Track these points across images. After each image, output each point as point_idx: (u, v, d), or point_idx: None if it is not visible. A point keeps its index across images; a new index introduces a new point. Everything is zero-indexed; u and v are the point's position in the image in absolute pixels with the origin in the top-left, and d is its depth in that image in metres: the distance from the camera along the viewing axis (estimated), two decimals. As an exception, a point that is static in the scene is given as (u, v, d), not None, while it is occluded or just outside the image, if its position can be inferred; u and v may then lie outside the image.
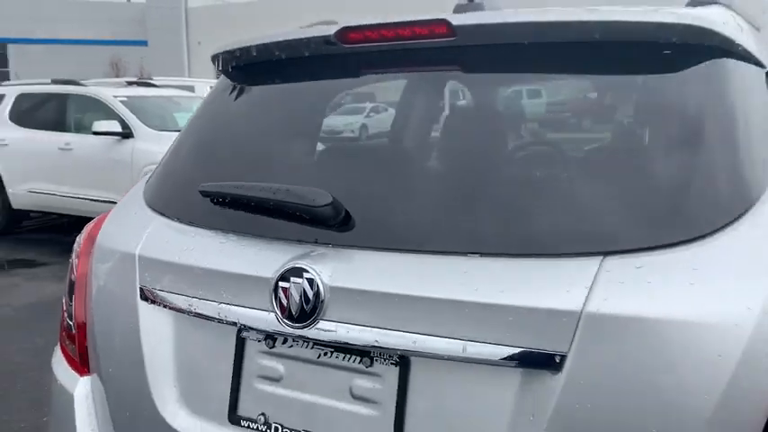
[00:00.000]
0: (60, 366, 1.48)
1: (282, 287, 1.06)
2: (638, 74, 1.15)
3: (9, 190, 7.25)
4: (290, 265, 1.07)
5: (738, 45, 1.10)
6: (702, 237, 0.92)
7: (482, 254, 1.00)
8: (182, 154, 1.46)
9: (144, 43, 45.53)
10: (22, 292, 4.98)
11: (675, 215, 0.97)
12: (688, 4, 1.38)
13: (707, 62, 1.08)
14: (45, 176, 6.88)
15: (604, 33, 1.11)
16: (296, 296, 1.05)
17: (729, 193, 0.98)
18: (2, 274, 5.95)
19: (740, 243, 0.92)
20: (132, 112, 6.61)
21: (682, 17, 1.08)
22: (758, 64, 1.16)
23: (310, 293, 1.04)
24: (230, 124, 1.46)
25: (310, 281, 1.05)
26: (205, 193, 1.24)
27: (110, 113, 6.73)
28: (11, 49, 45.90)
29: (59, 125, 7.23)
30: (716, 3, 1.33)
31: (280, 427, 1.12)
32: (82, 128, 6.99)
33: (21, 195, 7.17)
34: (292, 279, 1.06)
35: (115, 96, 6.99)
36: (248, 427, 1.15)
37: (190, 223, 1.29)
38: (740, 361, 0.85)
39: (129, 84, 8.83)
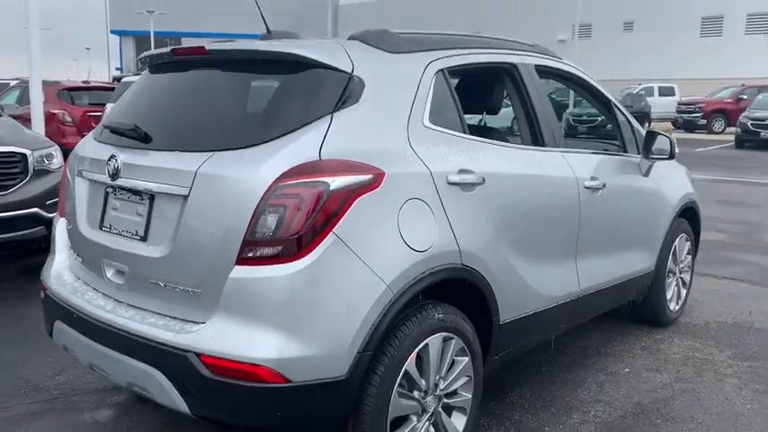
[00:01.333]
0: (56, 217, 2.97)
1: (108, 164, 2.45)
2: (278, 73, 2.40)
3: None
4: (111, 154, 2.45)
5: (313, 60, 2.31)
6: (254, 145, 2.17)
7: (180, 150, 2.31)
8: (112, 110, 2.88)
9: (296, 37, 49.01)
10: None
11: (250, 137, 2.21)
12: (349, 38, 2.58)
13: (291, 67, 2.32)
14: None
15: (267, 55, 2.39)
16: (111, 167, 2.43)
17: (274, 129, 2.20)
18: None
19: (270, 148, 2.14)
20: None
21: (284, 47, 2.33)
22: (336, 69, 2.34)
23: (114, 166, 2.41)
24: (141, 94, 2.84)
25: (116, 160, 2.42)
26: (104, 126, 2.65)
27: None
28: (183, 41, 51.51)
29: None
30: (354, 38, 2.53)
31: (116, 229, 2.48)
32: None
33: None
34: (110, 161, 2.44)
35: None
36: (103, 230, 2.54)
37: (99, 141, 2.70)
38: (256, 201, 2.08)
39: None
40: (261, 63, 2.45)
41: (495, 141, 2.88)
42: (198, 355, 2.09)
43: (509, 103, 3.41)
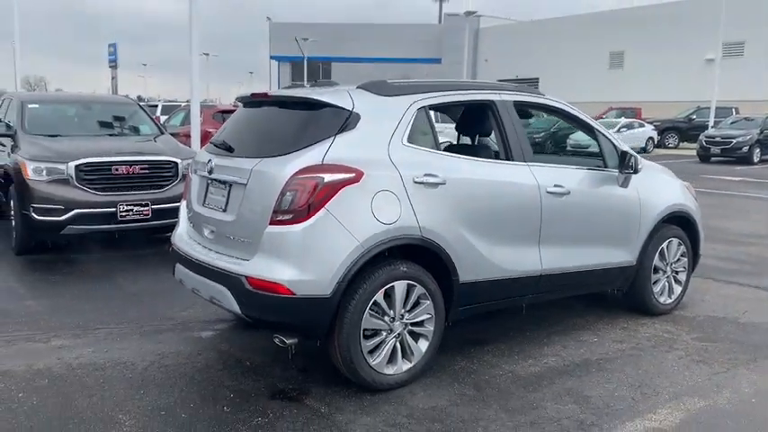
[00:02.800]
0: (182, 201, 4.58)
1: (207, 164, 3.99)
2: (305, 110, 3.81)
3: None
4: (209, 158, 3.99)
5: (326, 102, 3.69)
6: (284, 154, 3.57)
7: (245, 157, 3.78)
8: (218, 131, 4.45)
9: (438, 61, 50.93)
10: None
11: (283, 149, 3.61)
12: (357, 87, 3.93)
13: (314, 106, 3.73)
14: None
15: (299, 99, 3.84)
16: (208, 167, 3.97)
17: (298, 144, 3.58)
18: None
19: (293, 156, 3.53)
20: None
21: (311, 93, 3.75)
22: (341, 108, 3.70)
23: (209, 166, 3.95)
24: (233, 121, 4.37)
25: (211, 163, 3.95)
26: (211, 142, 4.22)
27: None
28: (334, 66, 55.24)
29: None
30: (360, 87, 3.89)
31: (211, 205, 4.00)
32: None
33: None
34: (208, 163, 3.98)
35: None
36: (205, 206, 4.07)
37: (208, 152, 4.25)
38: (280, 187, 3.49)
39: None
40: (296, 104, 3.89)
41: (462, 156, 4.09)
42: (246, 277, 3.52)
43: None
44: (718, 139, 22.80)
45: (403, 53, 50.49)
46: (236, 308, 3.62)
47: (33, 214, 6.55)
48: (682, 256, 5.38)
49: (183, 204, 4.51)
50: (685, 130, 29.90)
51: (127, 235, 7.17)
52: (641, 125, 28.64)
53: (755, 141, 22.26)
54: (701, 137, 23.71)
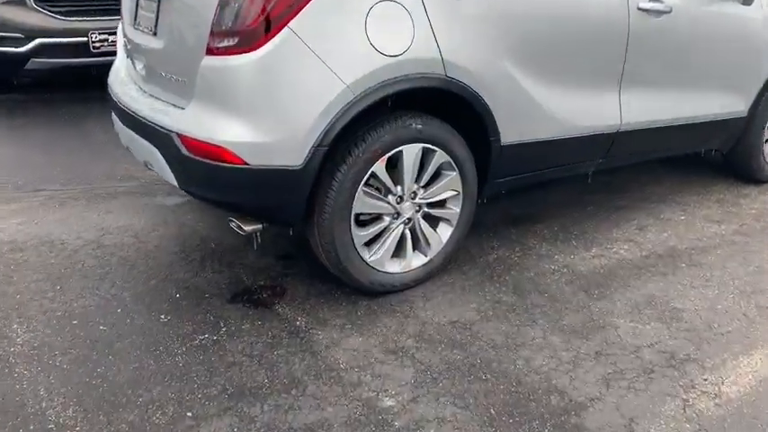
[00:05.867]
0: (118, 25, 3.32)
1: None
2: None
3: None
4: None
5: None
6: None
7: None
8: None
9: None
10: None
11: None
12: None
13: None
14: None
15: None
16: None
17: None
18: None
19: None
20: None
21: None
22: None
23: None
24: None
25: None
26: None
27: None
28: None
29: None
30: None
31: (140, 26, 2.75)
32: None
33: None
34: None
35: None
36: (136, 28, 2.82)
37: None
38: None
39: None
40: None
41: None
42: (178, 135, 2.36)
43: None
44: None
45: None
46: (172, 179, 2.50)
47: (-12, 44, 5.39)
48: (809, 105, 3.95)
49: (119, 28, 3.25)
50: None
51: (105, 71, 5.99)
52: None
53: None
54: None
